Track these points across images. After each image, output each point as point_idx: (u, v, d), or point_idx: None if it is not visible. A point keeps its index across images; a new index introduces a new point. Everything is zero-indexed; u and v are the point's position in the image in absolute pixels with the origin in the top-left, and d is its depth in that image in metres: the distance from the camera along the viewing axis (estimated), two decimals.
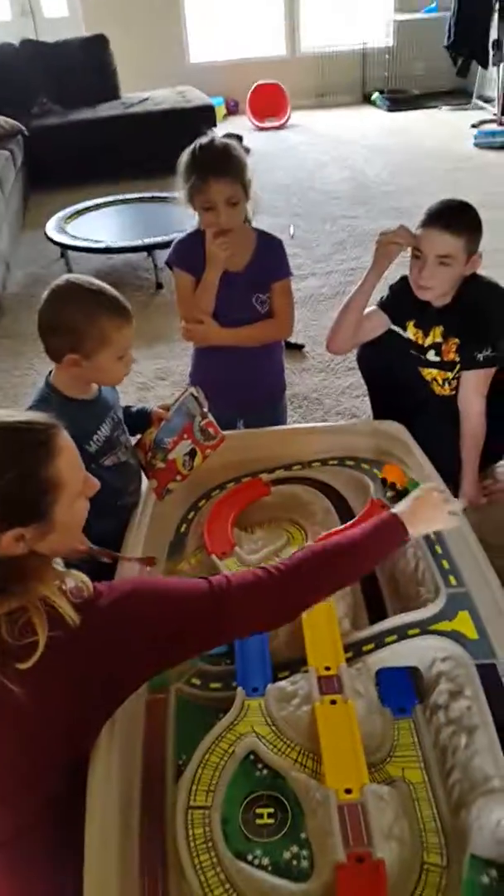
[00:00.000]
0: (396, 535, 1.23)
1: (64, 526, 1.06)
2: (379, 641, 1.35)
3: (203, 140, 1.81)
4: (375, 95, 7.55)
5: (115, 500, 1.62)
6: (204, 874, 1.02)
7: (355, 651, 1.34)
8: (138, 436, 1.72)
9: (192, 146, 1.81)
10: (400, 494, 1.58)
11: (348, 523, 1.62)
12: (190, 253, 1.90)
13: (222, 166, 1.76)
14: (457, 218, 1.80)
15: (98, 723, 1.07)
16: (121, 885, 0.98)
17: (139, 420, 1.71)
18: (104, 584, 1.08)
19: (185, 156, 1.81)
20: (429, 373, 2.01)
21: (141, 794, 1.15)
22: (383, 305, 2.00)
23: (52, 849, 1.07)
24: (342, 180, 5.50)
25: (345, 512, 1.71)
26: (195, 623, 1.09)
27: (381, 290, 2.04)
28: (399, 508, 1.27)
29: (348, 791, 1.07)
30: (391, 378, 2.08)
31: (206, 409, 1.65)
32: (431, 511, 1.29)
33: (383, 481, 1.69)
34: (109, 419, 1.57)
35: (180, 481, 1.67)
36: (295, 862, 1.05)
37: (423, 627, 1.33)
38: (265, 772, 1.15)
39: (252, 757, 1.17)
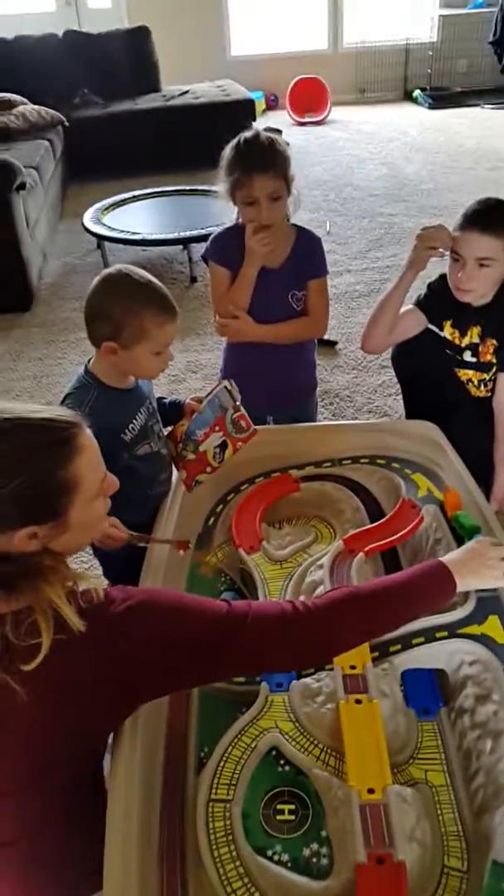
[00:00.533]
0: (444, 586, 1.16)
1: (80, 525, 1.03)
2: (406, 643, 1.33)
3: (247, 134, 1.80)
4: (417, 93, 7.49)
5: (146, 490, 1.63)
6: (223, 867, 1.02)
7: (381, 651, 1.33)
8: (170, 427, 1.72)
9: (236, 140, 1.80)
10: (452, 530, 1.52)
11: (378, 522, 1.61)
12: (227, 247, 1.90)
13: (267, 161, 1.75)
14: (495, 218, 1.77)
15: (106, 727, 1.06)
16: (140, 876, 0.98)
17: (172, 411, 1.71)
18: (119, 588, 1.05)
19: (228, 149, 1.80)
20: (464, 373, 1.98)
21: (163, 785, 1.16)
22: (420, 304, 1.97)
23: (63, 846, 1.07)
24: (380, 177, 5.46)
25: (374, 511, 1.69)
26: (206, 646, 1.04)
27: (417, 289, 2.02)
28: (450, 558, 1.20)
29: (371, 791, 1.07)
30: (426, 378, 2.06)
31: (238, 403, 1.65)
32: (484, 567, 1.21)
33: (441, 504, 1.61)
34: (145, 409, 1.58)
35: (210, 473, 1.68)
36: (315, 860, 1.05)
37: (452, 630, 1.31)
38: (287, 768, 1.15)
39: (274, 753, 1.17)
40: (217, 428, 1.65)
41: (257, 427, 1.70)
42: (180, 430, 1.69)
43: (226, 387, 1.65)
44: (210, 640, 1.04)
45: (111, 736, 1.10)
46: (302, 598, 1.27)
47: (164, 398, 1.74)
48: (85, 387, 1.50)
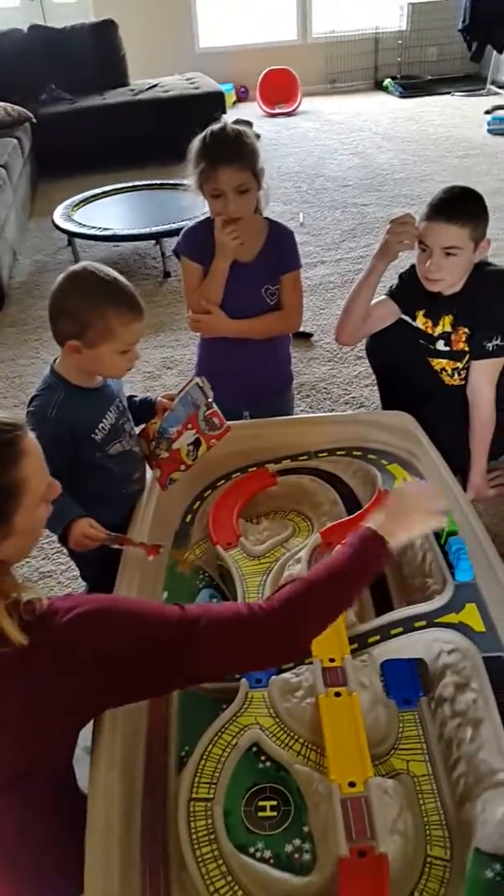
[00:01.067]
0: (381, 552, 1.14)
1: (24, 531, 1.00)
2: (385, 633, 1.33)
3: (214, 126, 1.79)
4: (387, 81, 7.48)
5: (120, 489, 1.61)
6: (206, 866, 1.01)
7: (360, 643, 1.33)
8: (142, 426, 1.71)
9: (203, 132, 1.79)
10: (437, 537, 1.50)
11: (355, 514, 1.61)
12: (199, 242, 1.88)
13: (233, 153, 1.73)
14: (459, 207, 1.77)
15: (67, 736, 1.03)
16: (122, 877, 0.98)
17: (143, 410, 1.69)
18: (65, 598, 1.02)
19: (196, 142, 1.78)
20: (438, 363, 1.98)
21: (143, 785, 1.15)
22: (392, 295, 1.97)
23: (43, 850, 1.07)
24: (353, 167, 5.45)
25: (352, 503, 1.69)
26: (159, 653, 1.01)
27: (390, 279, 2.02)
28: (374, 520, 1.18)
29: (352, 784, 1.06)
30: (400, 368, 2.06)
31: (210, 399, 1.64)
32: (411, 515, 1.20)
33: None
34: (115, 407, 1.56)
35: (184, 471, 1.66)
36: (297, 855, 1.05)
37: (430, 619, 1.32)
38: (268, 764, 1.15)
39: (255, 749, 1.16)
40: (190, 426, 1.63)
41: (232, 423, 1.69)
42: (153, 428, 1.68)
43: (197, 384, 1.64)
44: (163, 647, 1.02)
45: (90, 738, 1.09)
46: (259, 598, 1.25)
47: (135, 396, 1.72)
48: (51, 387, 1.48)
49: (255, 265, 1.89)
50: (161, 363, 3.22)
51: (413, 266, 1.93)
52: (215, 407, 1.64)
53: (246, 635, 1.05)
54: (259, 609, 1.05)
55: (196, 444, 1.64)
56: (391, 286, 2.00)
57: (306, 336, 3.23)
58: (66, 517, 1.40)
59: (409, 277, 1.95)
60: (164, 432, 1.65)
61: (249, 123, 2.02)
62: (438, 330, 1.93)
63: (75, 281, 1.42)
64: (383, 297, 1.98)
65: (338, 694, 1.20)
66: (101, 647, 0.98)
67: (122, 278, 1.44)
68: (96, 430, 1.51)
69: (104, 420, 1.53)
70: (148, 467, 1.69)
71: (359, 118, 6.73)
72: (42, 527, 1.09)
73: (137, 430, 1.68)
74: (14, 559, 1.03)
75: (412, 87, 7.32)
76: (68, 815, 1.04)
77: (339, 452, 1.82)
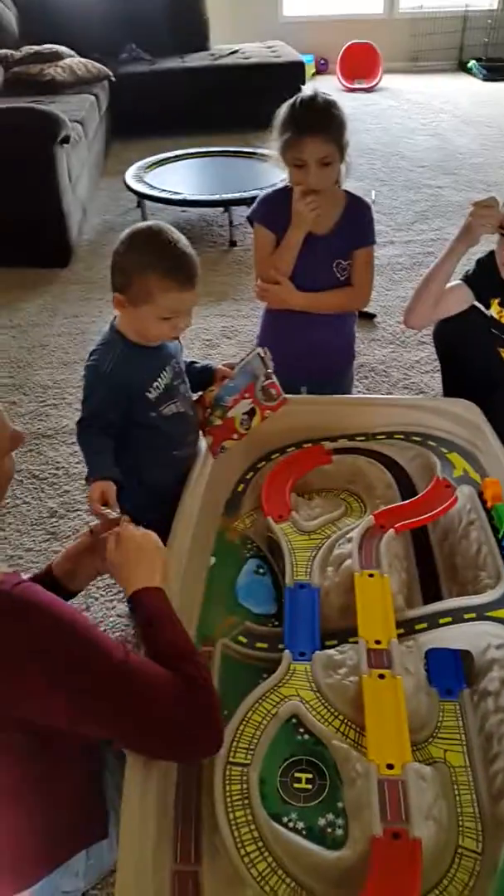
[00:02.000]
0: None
1: None
2: (432, 622, 1.32)
3: (305, 94, 1.76)
4: (472, 63, 7.28)
5: (172, 450, 1.61)
6: (238, 830, 1.02)
7: (407, 629, 1.32)
8: (200, 393, 1.70)
9: (292, 99, 1.75)
10: (487, 512, 1.49)
11: (410, 500, 1.59)
12: (275, 210, 1.86)
13: (321, 124, 1.70)
14: None
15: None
16: (156, 832, 0.99)
17: (203, 376, 1.68)
18: (14, 575, 0.98)
19: (284, 108, 1.75)
20: None
21: None
22: (468, 280, 1.92)
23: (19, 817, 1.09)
24: (429, 149, 5.34)
25: (407, 488, 1.67)
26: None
27: (465, 265, 1.97)
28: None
29: (390, 767, 1.06)
30: (467, 356, 2.01)
31: (270, 371, 1.62)
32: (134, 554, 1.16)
33: (480, 494, 1.56)
34: (170, 367, 1.56)
35: (236, 440, 1.65)
36: (329, 829, 1.05)
37: (481, 613, 1.30)
38: (306, 737, 1.15)
39: (294, 721, 1.17)
40: (247, 395, 1.62)
41: (291, 396, 1.67)
42: (209, 395, 1.66)
43: (259, 354, 1.62)
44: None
45: None
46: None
47: (196, 362, 1.72)
48: (109, 343, 1.49)
49: (329, 238, 1.86)
50: (221, 332, 3.22)
51: (492, 252, 1.88)
52: (274, 379, 1.63)
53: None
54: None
55: (251, 413, 1.63)
56: (466, 271, 1.95)
57: (370, 316, 3.18)
58: (93, 473, 1.42)
59: (488, 264, 1.90)
60: (220, 400, 1.64)
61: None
62: None
63: (133, 237, 1.42)
64: (458, 282, 1.93)
65: (382, 676, 1.19)
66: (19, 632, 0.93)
67: (183, 245, 1.41)
68: (150, 389, 1.51)
69: (159, 379, 1.52)
70: (201, 433, 1.69)
71: (439, 99, 6.57)
72: (9, 478, 1.07)
73: (195, 396, 1.68)
74: None
75: (497, 69, 7.11)
76: (48, 780, 1.05)
77: (397, 436, 1.80)
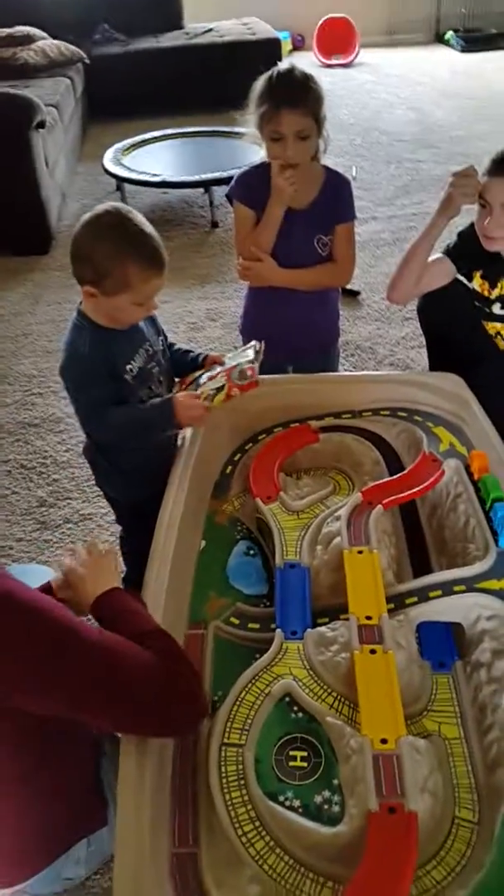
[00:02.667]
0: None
1: None
2: (422, 595, 1.32)
3: (282, 67, 1.73)
4: (449, 34, 7.21)
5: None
6: (234, 810, 1.02)
7: (397, 603, 1.32)
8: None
9: (270, 72, 1.73)
10: (474, 485, 1.49)
11: (398, 475, 1.58)
12: (253, 187, 1.83)
13: (298, 97, 1.68)
14: None
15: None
16: (153, 815, 0.99)
17: (190, 366, 1.67)
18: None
19: (260, 81, 1.73)
20: (493, 327, 1.92)
21: None
22: (449, 253, 1.91)
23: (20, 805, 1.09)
24: (409, 122, 5.30)
25: (394, 464, 1.67)
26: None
27: (446, 238, 1.95)
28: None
29: (384, 741, 1.06)
30: (452, 330, 2.00)
31: (257, 361, 1.60)
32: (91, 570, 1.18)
33: (466, 467, 1.56)
34: (143, 351, 1.54)
35: None
36: (326, 806, 1.05)
37: (470, 585, 1.30)
38: (300, 715, 1.15)
39: (288, 699, 1.17)
40: (224, 374, 1.60)
41: (276, 377, 1.66)
42: (191, 376, 1.65)
43: (255, 348, 1.60)
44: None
45: None
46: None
47: (191, 351, 1.70)
48: (78, 327, 1.48)
49: (308, 213, 1.84)
50: (205, 315, 3.19)
51: (472, 224, 1.86)
52: (256, 364, 1.60)
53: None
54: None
55: (219, 389, 1.60)
56: (447, 244, 1.93)
57: (354, 294, 3.17)
58: (163, 406, 1.46)
59: (468, 236, 1.88)
60: (199, 378, 1.62)
61: None
62: (496, 293, 1.87)
63: (101, 226, 1.37)
64: (439, 255, 1.91)
65: (373, 651, 1.19)
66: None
67: (149, 228, 1.39)
68: (125, 371, 1.50)
69: (132, 362, 1.51)
70: None
71: (417, 72, 6.52)
72: None
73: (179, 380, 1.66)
74: None
75: (475, 40, 7.06)
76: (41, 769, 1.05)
77: (383, 412, 1.79)
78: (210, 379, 1.60)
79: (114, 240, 1.36)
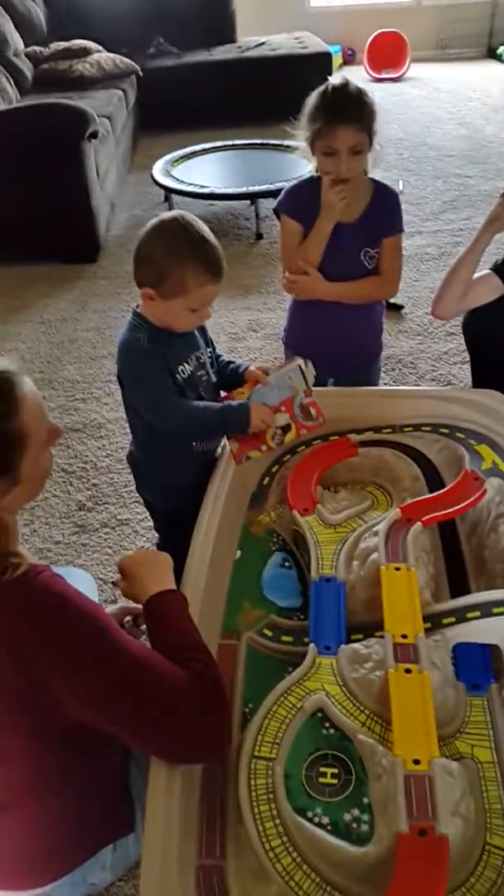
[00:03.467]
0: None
1: (30, 479, 1.01)
2: (460, 616, 1.30)
3: (336, 82, 1.73)
4: (501, 49, 7.15)
5: (191, 444, 1.62)
6: (263, 824, 1.01)
7: (434, 623, 1.30)
8: (226, 394, 1.68)
9: (323, 87, 1.73)
10: None
11: (438, 493, 1.56)
12: (302, 201, 1.84)
13: (353, 112, 1.68)
14: None
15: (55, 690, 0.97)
16: (180, 826, 0.99)
17: (234, 376, 1.67)
18: (50, 573, 1.00)
19: (314, 96, 1.73)
20: None
21: None
22: (497, 269, 1.89)
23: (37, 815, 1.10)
24: (458, 138, 5.27)
25: (434, 481, 1.64)
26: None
27: (493, 254, 1.94)
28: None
29: (416, 762, 1.05)
30: (497, 346, 1.98)
31: (310, 387, 1.60)
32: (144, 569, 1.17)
33: None
34: (195, 357, 1.56)
35: (264, 452, 1.63)
36: (355, 825, 1.04)
37: None
38: (332, 731, 1.14)
39: (320, 715, 1.16)
40: (284, 409, 1.60)
41: (317, 389, 1.65)
42: (238, 397, 1.65)
43: (300, 366, 1.60)
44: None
45: None
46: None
47: (232, 361, 1.71)
48: (135, 327, 1.51)
49: (356, 227, 1.84)
50: (247, 325, 3.21)
51: None
52: (314, 398, 1.60)
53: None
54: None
55: (285, 428, 1.61)
56: (496, 261, 1.91)
57: (397, 308, 3.15)
58: (239, 409, 1.50)
59: None
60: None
61: None
62: None
63: (163, 231, 1.42)
64: (487, 271, 1.90)
65: (408, 671, 1.17)
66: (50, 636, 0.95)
67: (211, 237, 1.43)
68: (178, 373, 1.51)
69: (182, 367, 1.53)
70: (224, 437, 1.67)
71: (468, 87, 6.49)
72: (47, 473, 1.10)
73: (223, 394, 1.67)
74: (21, 504, 1.06)
75: None
76: (62, 778, 1.06)
77: (424, 428, 1.77)
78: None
79: (174, 243, 1.40)
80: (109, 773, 1.20)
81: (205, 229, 1.43)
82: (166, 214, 1.45)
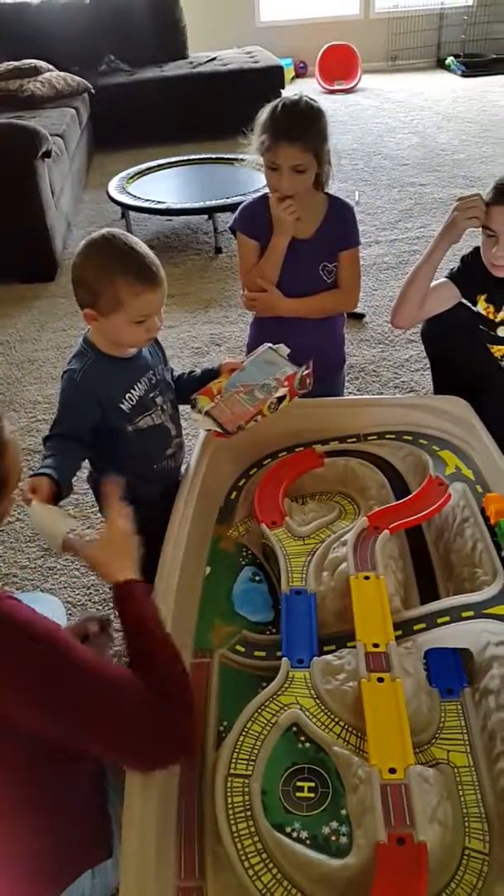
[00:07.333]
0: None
1: (3, 515, 1.04)
2: (430, 621, 1.31)
3: (289, 99, 1.73)
4: (450, 60, 7.30)
5: (152, 463, 1.60)
6: (241, 842, 1.01)
7: (405, 630, 1.31)
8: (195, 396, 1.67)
9: (277, 101, 1.73)
10: (490, 529, 1.45)
11: (404, 500, 1.58)
12: (256, 218, 1.85)
13: (298, 132, 1.68)
14: None
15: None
16: (158, 848, 0.98)
17: (208, 375, 1.67)
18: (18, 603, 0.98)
19: (266, 109, 1.73)
20: (498, 349, 1.93)
21: None
22: (453, 277, 1.92)
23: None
24: (411, 147, 5.34)
25: (400, 488, 1.66)
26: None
27: (449, 261, 1.96)
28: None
29: (392, 771, 1.05)
30: (457, 354, 2.01)
31: (287, 359, 1.61)
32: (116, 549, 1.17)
33: (482, 510, 1.50)
34: (146, 379, 1.54)
35: (258, 421, 1.60)
36: (334, 838, 1.04)
37: (478, 610, 1.29)
38: (307, 745, 1.14)
39: (295, 729, 1.16)
40: (286, 383, 1.60)
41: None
42: (217, 386, 1.63)
43: (269, 347, 1.61)
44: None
45: None
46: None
47: (194, 371, 1.70)
48: (81, 354, 1.49)
49: (313, 242, 1.85)
50: (210, 339, 3.21)
51: (477, 249, 1.87)
52: (311, 369, 1.61)
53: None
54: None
55: (281, 398, 1.60)
56: (452, 269, 1.94)
57: (359, 317, 3.18)
58: (38, 471, 1.39)
59: (473, 261, 1.89)
60: (231, 386, 1.60)
61: None
62: (501, 316, 1.88)
63: (91, 249, 1.40)
64: (443, 279, 1.93)
65: (381, 679, 1.18)
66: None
67: (141, 247, 1.40)
68: (123, 400, 1.50)
69: (132, 391, 1.51)
70: (184, 446, 1.66)
71: (419, 97, 6.59)
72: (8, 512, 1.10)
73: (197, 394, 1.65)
74: None
75: (476, 65, 7.14)
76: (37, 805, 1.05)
77: (388, 436, 1.79)
78: (245, 388, 1.60)
79: (102, 259, 1.38)
80: (85, 796, 1.18)
81: (133, 240, 1.41)
82: (93, 234, 1.43)
